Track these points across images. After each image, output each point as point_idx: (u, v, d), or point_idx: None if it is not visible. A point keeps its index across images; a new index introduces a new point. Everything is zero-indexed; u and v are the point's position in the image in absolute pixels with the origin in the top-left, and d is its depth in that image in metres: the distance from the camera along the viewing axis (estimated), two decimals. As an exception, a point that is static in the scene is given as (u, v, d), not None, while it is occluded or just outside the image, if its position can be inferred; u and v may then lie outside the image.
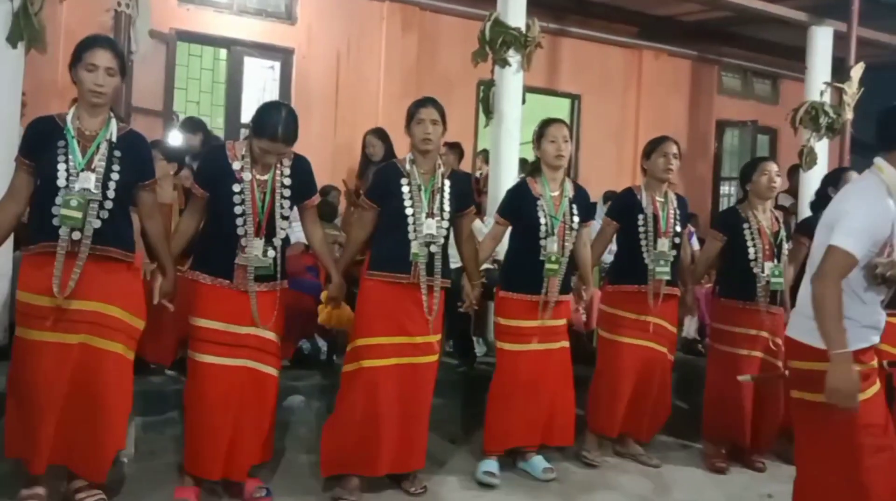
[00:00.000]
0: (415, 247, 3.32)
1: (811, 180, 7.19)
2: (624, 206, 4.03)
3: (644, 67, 9.00)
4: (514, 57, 5.65)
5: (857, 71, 6.94)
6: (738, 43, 9.20)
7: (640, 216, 3.90)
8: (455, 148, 6.52)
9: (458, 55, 6.84)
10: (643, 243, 3.87)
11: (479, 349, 5.11)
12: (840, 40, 7.23)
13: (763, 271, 3.95)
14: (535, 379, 3.68)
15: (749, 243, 3.97)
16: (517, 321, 3.69)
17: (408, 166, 3.42)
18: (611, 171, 8.48)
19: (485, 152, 7.35)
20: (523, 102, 5.87)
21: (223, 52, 7.46)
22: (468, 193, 3.60)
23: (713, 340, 4.16)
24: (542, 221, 3.62)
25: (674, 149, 3.93)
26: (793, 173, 7.52)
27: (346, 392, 3.39)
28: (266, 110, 3.11)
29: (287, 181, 3.18)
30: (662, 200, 3.96)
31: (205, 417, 3.11)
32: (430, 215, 3.34)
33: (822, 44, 7.49)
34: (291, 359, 4.42)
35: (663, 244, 3.85)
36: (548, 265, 3.60)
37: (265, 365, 3.21)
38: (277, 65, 7.51)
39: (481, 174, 7.06)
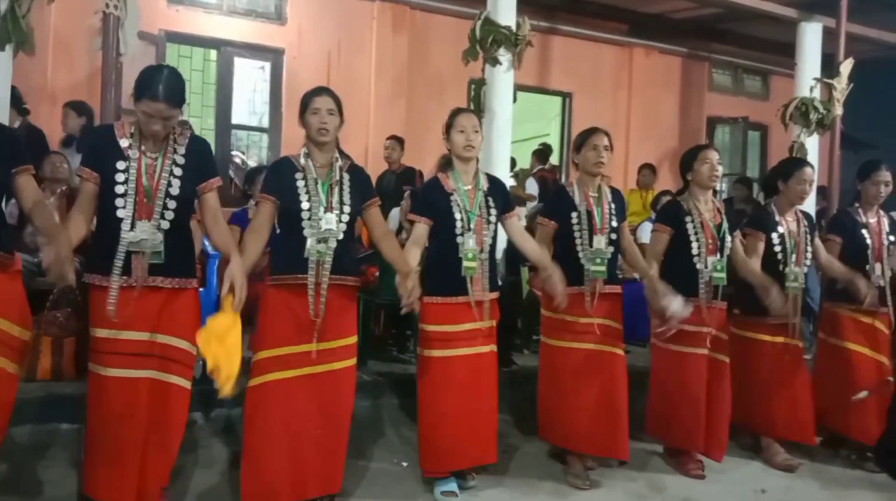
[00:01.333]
0: (311, 244, 3.09)
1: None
2: (557, 204, 3.81)
3: (635, 64, 9.02)
4: (504, 55, 5.65)
5: (846, 66, 6.98)
6: (729, 39, 9.24)
7: (574, 214, 3.69)
8: (400, 141, 6.58)
9: (448, 54, 6.84)
10: (578, 241, 3.67)
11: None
12: (829, 36, 7.26)
13: (706, 267, 3.82)
14: (467, 387, 3.43)
15: (692, 237, 3.84)
16: (443, 326, 3.42)
17: (302, 160, 3.18)
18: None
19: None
20: (514, 100, 5.87)
21: (213, 53, 7.45)
22: (370, 185, 3.38)
23: (656, 338, 3.96)
24: (458, 216, 3.41)
25: (604, 141, 3.73)
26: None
27: (254, 414, 3.08)
28: (146, 71, 2.86)
29: (180, 160, 2.91)
30: (596, 195, 3.75)
31: (106, 436, 2.84)
32: (329, 209, 3.12)
33: (811, 40, 7.52)
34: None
35: (599, 242, 3.66)
36: (465, 263, 3.39)
37: (173, 376, 2.92)
38: (268, 65, 7.50)
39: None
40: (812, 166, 4.21)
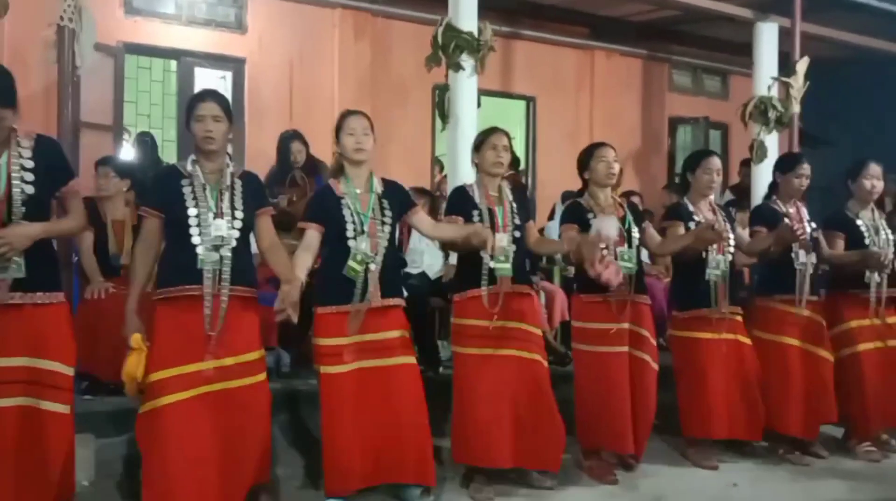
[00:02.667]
0: (202, 252, 2.94)
1: (762, 173, 7.35)
2: (457, 205, 3.68)
3: (596, 67, 9.10)
4: (467, 61, 5.66)
5: (802, 65, 7.12)
6: (687, 41, 9.37)
7: (475, 213, 3.58)
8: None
9: (411, 60, 6.84)
10: None
11: (445, 354, 5.09)
12: (785, 36, 7.39)
13: (616, 259, 3.74)
14: (369, 404, 3.23)
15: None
16: (336, 339, 3.23)
17: (189, 167, 3.06)
18: (567, 171, 8.40)
19: (439, 162, 7.38)
20: (478, 105, 5.89)
21: (173, 64, 7.37)
22: (263, 193, 3.28)
23: (576, 340, 3.89)
24: (349, 219, 3.27)
25: (503, 141, 3.67)
26: (744, 167, 7.68)
27: (149, 442, 2.90)
28: None
29: (28, 164, 2.77)
30: (496, 194, 3.66)
31: None
32: (219, 215, 2.98)
33: (767, 40, 7.66)
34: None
35: (501, 239, 3.53)
36: (350, 264, 3.21)
37: (47, 402, 2.76)
38: (229, 75, 7.42)
39: (437, 182, 7.10)
40: (717, 155, 4.23)
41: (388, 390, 3.26)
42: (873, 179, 4.31)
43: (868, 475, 4.06)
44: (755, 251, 4.33)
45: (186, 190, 3.00)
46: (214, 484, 2.91)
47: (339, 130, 3.39)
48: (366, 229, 3.27)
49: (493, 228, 3.53)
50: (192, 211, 2.96)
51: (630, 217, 3.91)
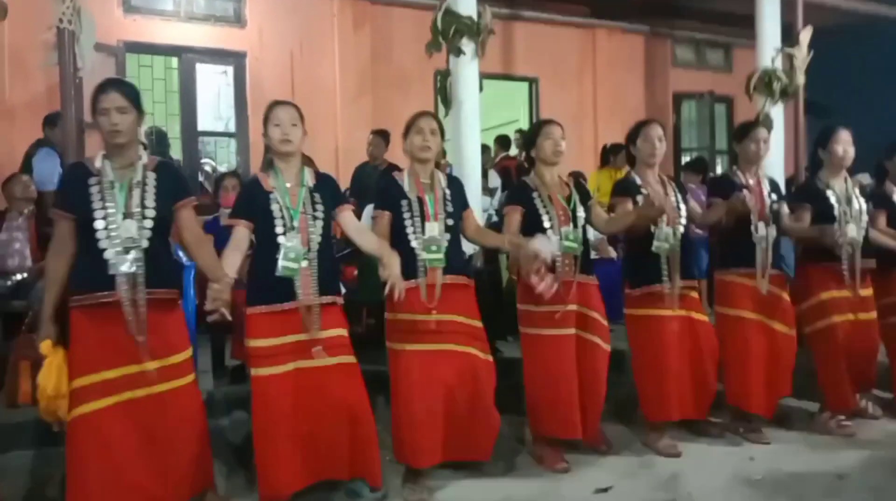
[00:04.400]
0: (111, 256, 2.81)
1: (770, 145, 7.30)
2: (385, 193, 3.53)
3: (598, 45, 9.06)
4: (467, 45, 5.63)
5: (805, 35, 7.04)
6: (689, 15, 9.30)
7: (404, 202, 3.44)
8: (381, 134, 6.43)
9: (412, 47, 6.82)
10: (409, 229, 3.41)
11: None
12: (788, 6, 7.31)
13: (560, 237, 3.64)
14: (307, 406, 3.09)
15: (542, 211, 3.69)
16: (269, 339, 3.08)
17: (98, 163, 2.90)
18: (572, 151, 8.42)
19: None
20: (481, 89, 5.86)
21: (174, 61, 7.36)
22: (180, 183, 3.09)
23: (522, 324, 3.74)
24: (278, 215, 3.11)
25: (431, 124, 3.51)
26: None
27: (71, 451, 2.80)
28: None
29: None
30: (428, 181, 3.51)
31: None
32: (129, 215, 2.84)
33: (769, 10, 7.57)
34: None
35: (432, 229, 3.40)
36: (283, 263, 3.07)
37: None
38: (230, 69, 7.44)
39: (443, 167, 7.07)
40: (658, 124, 4.03)
41: (326, 390, 3.10)
42: (845, 144, 4.15)
43: (886, 442, 4.04)
44: (707, 223, 4.24)
45: (94, 189, 2.86)
46: (145, 493, 2.84)
47: (266, 121, 3.21)
48: (296, 224, 3.12)
49: (423, 217, 3.42)
50: (98, 213, 2.83)
51: (575, 196, 3.79)
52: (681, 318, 3.89)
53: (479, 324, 3.51)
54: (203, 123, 7.60)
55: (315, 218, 3.16)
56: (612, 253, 6.37)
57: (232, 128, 7.78)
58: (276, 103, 3.24)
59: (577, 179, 4.39)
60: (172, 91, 7.49)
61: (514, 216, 3.74)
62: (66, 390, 2.83)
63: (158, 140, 6.86)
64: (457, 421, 3.39)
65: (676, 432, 4.06)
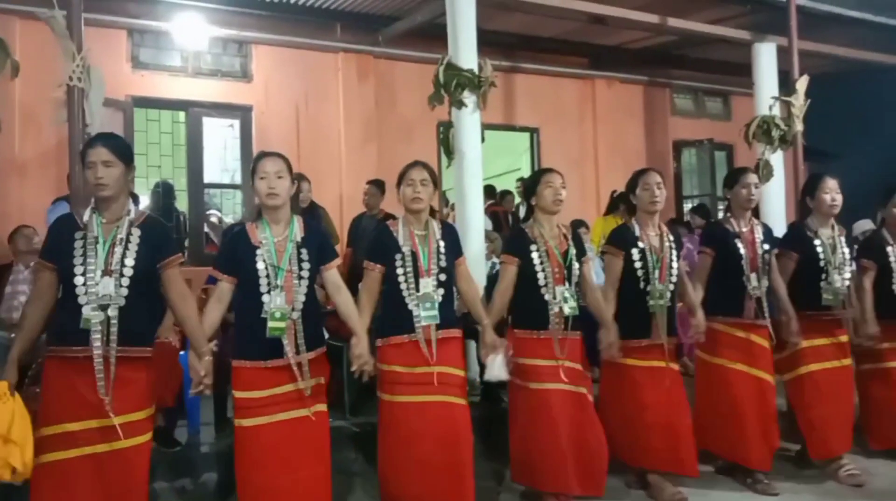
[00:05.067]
0: (87, 312, 2.80)
1: (769, 192, 7.38)
2: (379, 245, 3.50)
3: (598, 95, 9.19)
4: (469, 98, 5.73)
5: (801, 83, 7.15)
6: (687, 64, 9.47)
7: (397, 257, 3.40)
8: (377, 184, 6.45)
9: (415, 99, 6.94)
10: (403, 285, 3.39)
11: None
12: (784, 54, 7.45)
13: (555, 297, 3.60)
14: (286, 457, 3.08)
15: (538, 268, 3.62)
16: (255, 392, 3.08)
17: (86, 217, 2.91)
18: (574, 199, 8.54)
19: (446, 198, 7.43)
20: (483, 140, 5.94)
21: (181, 115, 7.49)
22: (166, 241, 3.06)
23: (515, 375, 3.66)
24: (263, 273, 3.07)
25: (422, 174, 3.48)
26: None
27: (36, 497, 2.82)
28: None
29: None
30: (423, 232, 3.47)
31: None
32: (108, 272, 2.84)
33: (766, 59, 7.74)
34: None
35: (426, 285, 3.37)
36: (270, 323, 3.04)
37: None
38: (237, 122, 7.55)
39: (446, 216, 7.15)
40: (656, 172, 3.99)
41: (297, 442, 3.11)
42: (832, 192, 4.15)
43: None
44: (687, 302, 4.06)
45: (77, 243, 2.87)
46: None
47: (253, 173, 3.18)
48: (280, 283, 3.08)
49: (416, 272, 3.40)
50: (78, 268, 2.84)
51: (573, 251, 3.72)
52: (657, 369, 3.81)
53: (462, 374, 3.51)
54: (209, 176, 7.70)
55: (300, 277, 3.13)
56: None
57: (238, 180, 7.89)
58: (263, 155, 3.23)
59: (576, 230, 4.34)
60: (179, 144, 7.60)
61: (510, 269, 3.69)
62: (19, 437, 2.78)
63: (165, 193, 6.94)
64: (438, 472, 3.35)
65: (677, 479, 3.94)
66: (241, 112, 7.43)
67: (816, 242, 4.16)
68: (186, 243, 7.10)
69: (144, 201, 6.86)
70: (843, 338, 4.22)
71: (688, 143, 9.76)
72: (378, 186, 6.40)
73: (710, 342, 4.03)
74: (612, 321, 3.74)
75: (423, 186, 3.47)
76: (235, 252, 3.17)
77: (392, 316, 3.43)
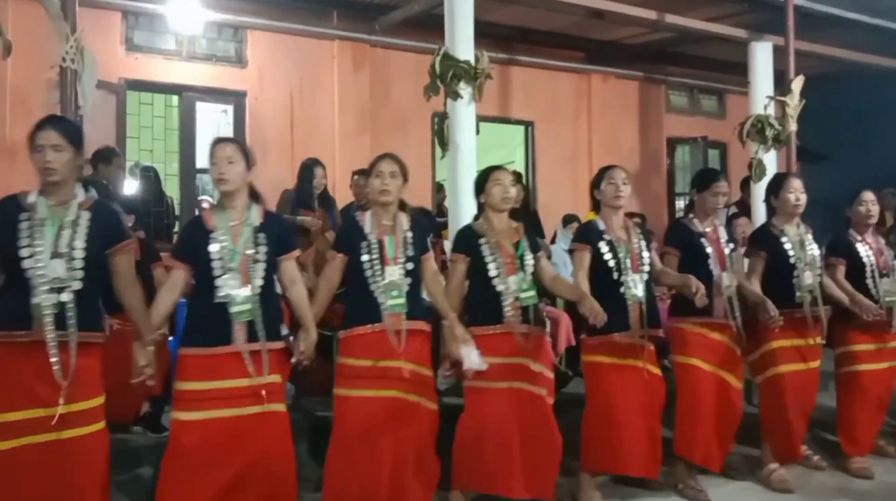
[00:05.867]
0: (37, 296, 2.71)
1: (762, 191, 7.37)
2: (345, 236, 3.49)
3: (593, 90, 9.18)
4: (465, 89, 5.71)
5: (797, 84, 7.16)
6: (683, 62, 9.47)
7: (363, 245, 3.36)
8: (366, 174, 6.40)
9: (410, 89, 6.91)
10: (369, 274, 3.31)
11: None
12: (780, 54, 7.46)
13: (508, 288, 3.52)
14: (223, 458, 2.95)
15: (489, 259, 3.56)
16: (198, 383, 2.97)
17: (31, 199, 2.82)
18: (567, 194, 8.60)
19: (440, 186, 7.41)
20: (477, 132, 5.93)
21: (174, 99, 7.44)
22: (118, 228, 2.99)
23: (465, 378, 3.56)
24: (216, 256, 3.00)
25: (391, 167, 3.45)
26: (745, 185, 7.71)
27: None
28: None
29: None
30: (390, 223, 3.43)
31: None
32: (57, 254, 2.75)
33: (762, 58, 7.75)
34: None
35: (392, 273, 3.31)
36: (233, 309, 2.96)
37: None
38: (230, 108, 7.51)
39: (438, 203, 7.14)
40: (620, 168, 3.92)
41: (249, 442, 2.99)
42: (797, 191, 4.16)
43: (826, 495, 4.02)
44: (661, 284, 4.13)
45: (23, 226, 2.77)
46: None
47: (210, 156, 3.13)
48: (235, 265, 3.01)
49: (382, 261, 3.33)
50: (25, 251, 2.74)
51: (524, 243, 3.65)
52: (636, 369, 3.75)
53: (429, 372, 3.43)
54: (202, 161, 7.65)
55: (256, 260, 3.05)
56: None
57: (230, 166, 7.84)
58: (216, 141, 3.17)
59: (528, 226, 4.03)
60: (172, 129, 7.56)
61: (459, 267, 3.62)
62: None
63: (154, 179, 6.87)
64: (400, 470, 3.27)
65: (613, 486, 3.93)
66: (235, 98, 7.38)
67: (784, 239, 4.16)
68: (176, 227, 7.06)
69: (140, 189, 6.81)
70: (816, 340, 4.20)
71: (682, 140, 9.77)
72: (367, 176, 6.38)
73: (681, 343, 4.02)
74: (587, 293, 3.57)
75: (391, 179, 3.43)
76: (190, 239, 3.11)
77: (356, 306, 3.33)
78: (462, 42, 5.74)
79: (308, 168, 5.74)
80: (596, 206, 3.97)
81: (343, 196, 7.04)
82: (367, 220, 3.44)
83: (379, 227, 3.41)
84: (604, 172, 3.93)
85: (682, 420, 3.96)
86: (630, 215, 6.45)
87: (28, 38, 4.97)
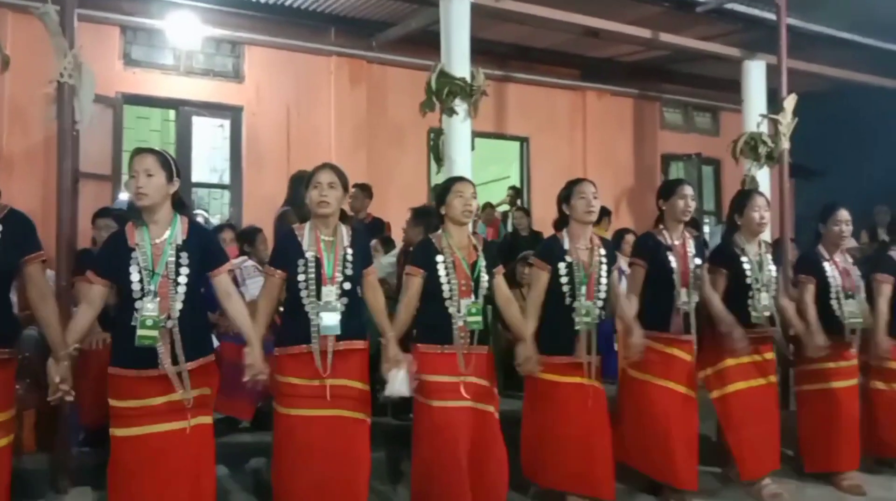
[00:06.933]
0: None
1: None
2: (282, 251, 3.35)
3: (588, 107, 9.24)
4: (460, 106, 5.75)
5: (789, 102, 7.20)
6: (678, 79, 9.55)
7: (300, 262, 3.22)
8: (364, 189, 6.41)
9: (407, 105, 6.94)
10: (304, 293, 3.20)
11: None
12: (773, 72, 7.52)
13: (459, 311, 3.45)
14: (158, 472, 2.94)
15: (443, 279, 3.47)
16: (129, 401, 2.93)
17: None
18: (563, 209, 8.61)
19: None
20: (473, 148, 5.96)
21: (171, 113, 7.48)
22: (30, 238, 2.87)
23: (417, 392, 3.49)
24: (136, 278, 2.89)
25: (330, 177, 3.30)
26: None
27: None
28: None
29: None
30: (330, 238, 3.29)
31: None
32: None
33: (755, 77, 7.81)
34: (252, 420, 4.34)
35: (329, 293, 3.19)
36: (140, 332, 2.86)
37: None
38: (227, 123, 7.55)
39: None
40: (590, 182, 3.84)
41: (178, 456, 2.96)
42: (761, 210, 4.11)
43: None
44: (620, 316, 3.99)
45: None
46: None
47: (129, 171, 3.02)
48: (153, 288, 2.90)
49: (319, 280, 3.21)
50: None
51: (482, 263, 3.54)
52: (581, 386, 3.70)
53: (366, 388, 3.34)
54: (197, 175, 7.69)
55: (177, 283, 2.93)
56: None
57: (226, 180, 7.86)
58: (135, 152, 3.04)
59: (487, 241, 3.98)
60: (168, 143, 7.59)
61: (415, 281, 3.51)
62: None
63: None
64: (332, 491, 3.20)
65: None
66: (232, 112, 7.41)
67: (744, 259, 4.11)
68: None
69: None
70: (769, 355, 4.18)
71: (676, 157, 9.82)
72: (364, 189, 6.40)
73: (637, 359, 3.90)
74: (529, 336, 3.60)
75: (330, 189, 3.28)
76: (111, 256, 2.99)
77: (291, 325, 3.27)
78: (458, 59, 5.79)
79: (298, 181, 5.71)
80: (563, 221, 3.87)
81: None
82: (305, 234, 3.30)
83: (318, 243, 3.28)
84: (572, 186, 3.82)
85: (650, 444, 3.87)
86: (622, 231, 6.50)
87: (26, 53, 5.01)
